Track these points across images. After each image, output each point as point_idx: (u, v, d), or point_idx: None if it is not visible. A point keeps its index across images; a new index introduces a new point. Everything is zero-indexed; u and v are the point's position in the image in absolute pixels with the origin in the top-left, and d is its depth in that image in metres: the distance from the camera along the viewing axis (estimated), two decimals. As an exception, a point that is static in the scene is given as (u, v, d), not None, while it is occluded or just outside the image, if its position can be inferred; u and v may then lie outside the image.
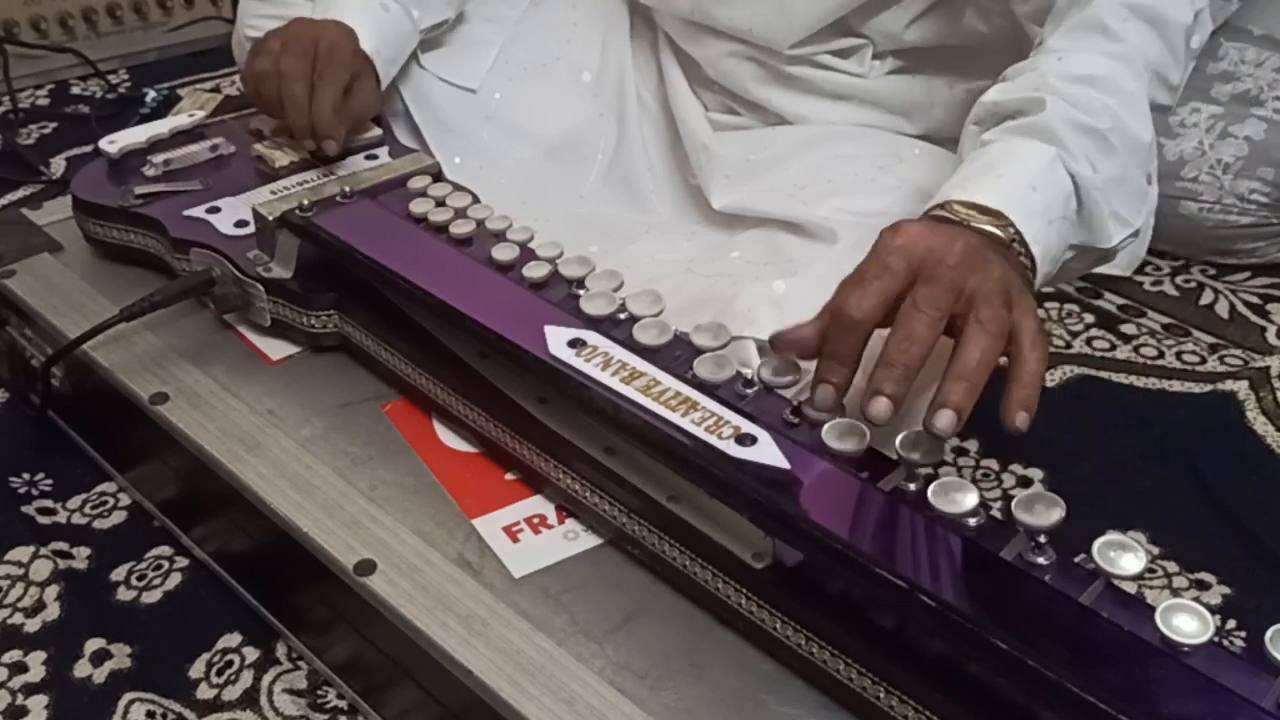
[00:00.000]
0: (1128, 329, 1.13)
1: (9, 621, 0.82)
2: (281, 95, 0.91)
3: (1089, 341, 1.12)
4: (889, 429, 0.63)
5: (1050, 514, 0.56)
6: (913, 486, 0.61)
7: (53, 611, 0.83)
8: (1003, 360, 0.63)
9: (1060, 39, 0.77)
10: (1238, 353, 1.10)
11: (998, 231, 0.68)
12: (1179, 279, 1.21)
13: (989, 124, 0.76)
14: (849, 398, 0.64)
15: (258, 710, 0.76)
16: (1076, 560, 0.57)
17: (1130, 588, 0.56)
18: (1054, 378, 1.06)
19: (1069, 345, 1.11)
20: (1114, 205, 0.74)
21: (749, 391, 0.67)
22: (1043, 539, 0.56)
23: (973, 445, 0.96)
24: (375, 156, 0.96)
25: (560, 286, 0.77)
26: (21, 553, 0.87)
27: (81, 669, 0.79)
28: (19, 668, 0.79)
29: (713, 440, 0.64)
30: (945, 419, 0.59)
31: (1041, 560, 0.56)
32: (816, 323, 0.66)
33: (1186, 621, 0.52)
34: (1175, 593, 0.84)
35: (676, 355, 0.70)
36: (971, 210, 0.69)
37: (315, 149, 0.92)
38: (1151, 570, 0.86)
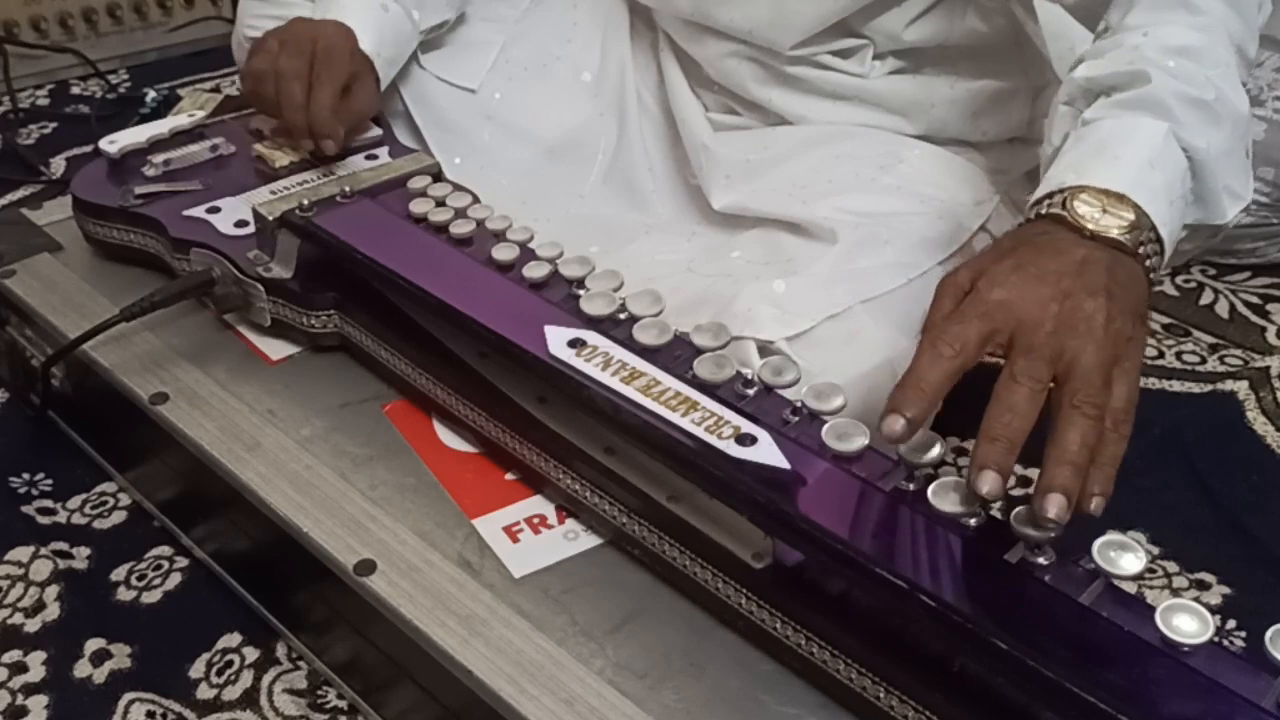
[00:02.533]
0: (1127, 329, 1.13)
1: (9, 621, 0.82)
2: (279, 95, 0.91)
3: (1089, 341, 1.12)
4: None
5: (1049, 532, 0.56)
6: (913, 486, 0.61)
7: (53, 611, 0.83)
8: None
9: (1140, 15, 0.74)
10: (1238, 353, 1.10)
11: (1123, 239, 0.65)
12: (1179, 279, 1.21)
13: (1082, 103, 0.73)
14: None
15: (258, 710, 0.76)
16: (1076, 560, 0.57)
17: (1130, 588, 0.56)
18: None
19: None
20: (1227, 179, 0.71)
21: (749, 391, 0.67)
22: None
23: (972, 445, 0.96)
24: (375, 156, 0.96)
25: (560, 286, 0.77)
26: (21, 553, 0.87)
27: (81, 669, 0.79)
28: (19, 668, 0.79)
29: (713, 440, 0.64)
30: (1056, 505, 0.56)
31: (1041, 560, 0.56)
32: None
33: (1186, 621, 0.52)
34: (1175, 593, 0.84)
35: (676, 355, 0.70)
36: (1092, 202, 0.65)
37: (313, 149, 0.92)
38: (1151, 570, 0.86)
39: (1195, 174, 0.70)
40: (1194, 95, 0.70)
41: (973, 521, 0.58)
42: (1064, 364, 0.60)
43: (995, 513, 0.60)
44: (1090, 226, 0.65)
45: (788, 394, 0.67)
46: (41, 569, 0.86)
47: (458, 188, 0.89)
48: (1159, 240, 0.66)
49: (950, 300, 0.64)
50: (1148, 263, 0.66)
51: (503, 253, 0.79)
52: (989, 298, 0.62)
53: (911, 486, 0.61)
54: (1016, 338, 0.61)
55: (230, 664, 0.79)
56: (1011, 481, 0.88)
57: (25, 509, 0.91)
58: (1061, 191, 0.67)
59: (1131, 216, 0.65)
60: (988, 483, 0.57)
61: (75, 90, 1.61)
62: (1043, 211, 0.67)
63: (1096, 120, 0.71)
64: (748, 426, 0.64)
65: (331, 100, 0.90)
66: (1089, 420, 0.59)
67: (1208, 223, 0.73)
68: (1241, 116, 0.73)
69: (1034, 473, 0.93)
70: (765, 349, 0.79)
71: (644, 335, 0.71)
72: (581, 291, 0.75)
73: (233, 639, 0.80)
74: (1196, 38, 0.72)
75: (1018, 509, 0.58)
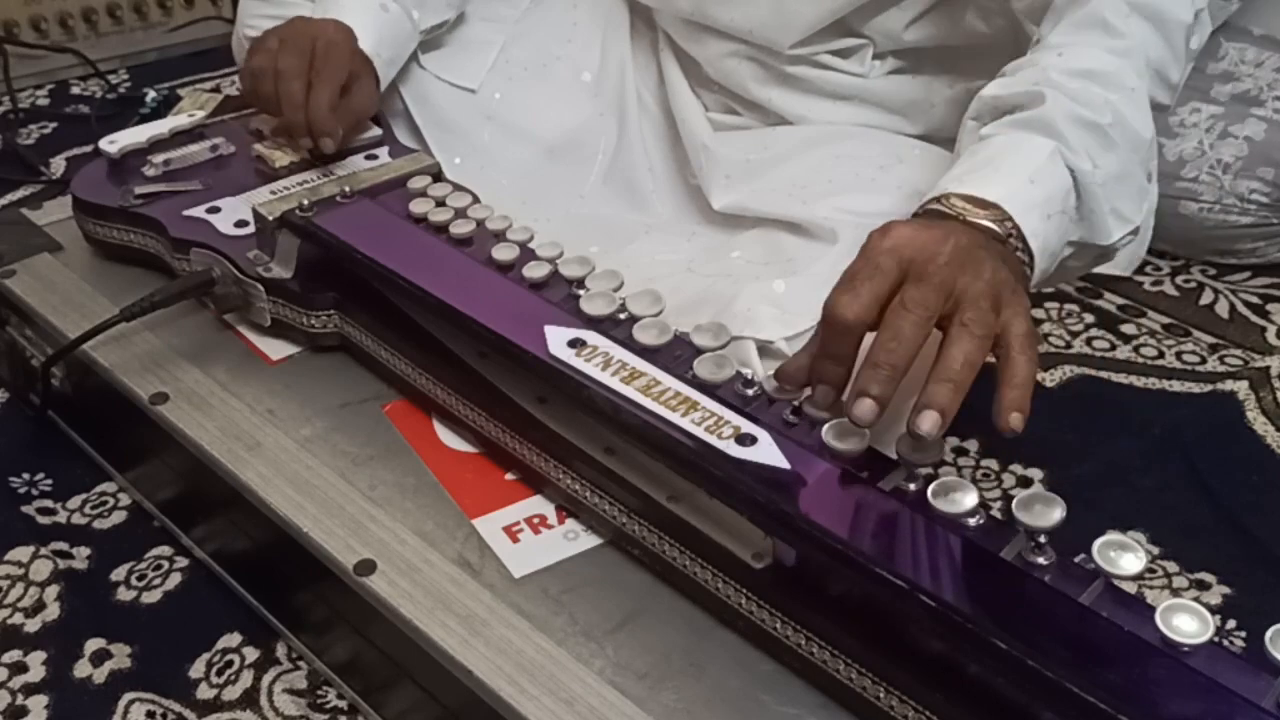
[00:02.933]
0: (1128, 329, 1.13)
1: (9, 621, 0.82)
2: (278, 93, 0.91)
3: (1089, 341, 1.12)
4: (884, 429, 0.63)
5: (1050, 514, 0.56)
6: (913, 486, 0.61)
7: (53, 611, 0.83)
8: (992, 360, 0.62)
9: (1060, 35, 0.77)
10: (1238, 353, 1.10)
11: (994, 226, 0.67)
12: (1179, 279, 1.21)
13: (987, 118, 0.76)
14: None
15: (258, 710, 0.76)
16: (1076, 560, 0.57)
17: (1130, 588, 0.56)
18: (1054, 378, 1.06)
19: (1069, 345, 1.11)
20: (1114, 202, 0.73)
21: (749, 391, 0.67)
22: (1043, 539, 0.56)
23: (973, 445, 0.96)
24: (375, 156, 0.96)
25: (560, 286, 0.77)
26: (21, 553, 0.87)
27: (81, 669, 0.79)
28: (19, 668, 0.79)
29: (713, 440, 0.64)
30: (929, 420, 0.58)
31: (1041, 560, 0.56)
32: (806, 350, 0.66)
33: (1186, 621, 0.52)
34: (1175, 593, 0.84)
35: (676, 355, 0.70)
36: (969, 204, 0.68)
37: (312, 147, 0.92)
38: (1151, 570, 0.86)
39: (1080, 194, 0.72)
40: (1087, 118, 0.71)
41: (973, 521, 0.58)
42: (954, 296, 0.62)
43: (996, 513, 0.60)
44: (964, 215, 0.67)
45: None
46: (41, 569, 0.86)
47: (458, 188, 0.89)
48: (1028, 250, 0.68)
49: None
50: (1017, 254, 0.68)
51: (503, 253, 0.79)
52: (879, 246, 0.64)
53: (911, 486, 0.61)
54: (910, 271, 0.62)
55: (230, 664, 0.79)
56: (1011, 481, 0.89)
57: (25, 509, 0.91)
58: (944, 198, 0.69)
59: (997, 216, 0.68)
60: (864, 409, 0.59)
61: (75, 90, 1.61)
62: (918, 212, 0.70)
63: (990, 137, 0.73)
64: (748, 426, 0.64)
65: (331, 99, 0.90)
66: (974, 338, 0.60)
67: (1092, 242, 0.75)
68: (1141, 141, 0.74)
69: (1034, 473, 0.93)
70: (765, 349, 0.79)
71: (644, 335, 0.71)
72: (581, 291, 0.75)
73: (233, 639, 0.80)
74: (1107, 61, 0.74)
75: (903, 434, 0.60)
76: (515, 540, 0.71)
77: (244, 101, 0.99)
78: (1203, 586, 0.85)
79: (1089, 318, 1.15)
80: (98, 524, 0.90)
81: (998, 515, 0.60)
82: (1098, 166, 0.72)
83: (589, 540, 0.71)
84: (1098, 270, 0.81)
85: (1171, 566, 0.87)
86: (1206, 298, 1.19)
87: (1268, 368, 1.07)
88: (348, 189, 0.88)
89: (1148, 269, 1.21)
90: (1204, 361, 1.09)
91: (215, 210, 0.92)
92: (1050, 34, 0.77)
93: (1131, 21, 0.75)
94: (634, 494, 0.67)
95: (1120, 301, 1.17)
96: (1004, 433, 0.60)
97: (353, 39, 0.95)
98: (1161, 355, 1.10)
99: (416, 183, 0.90)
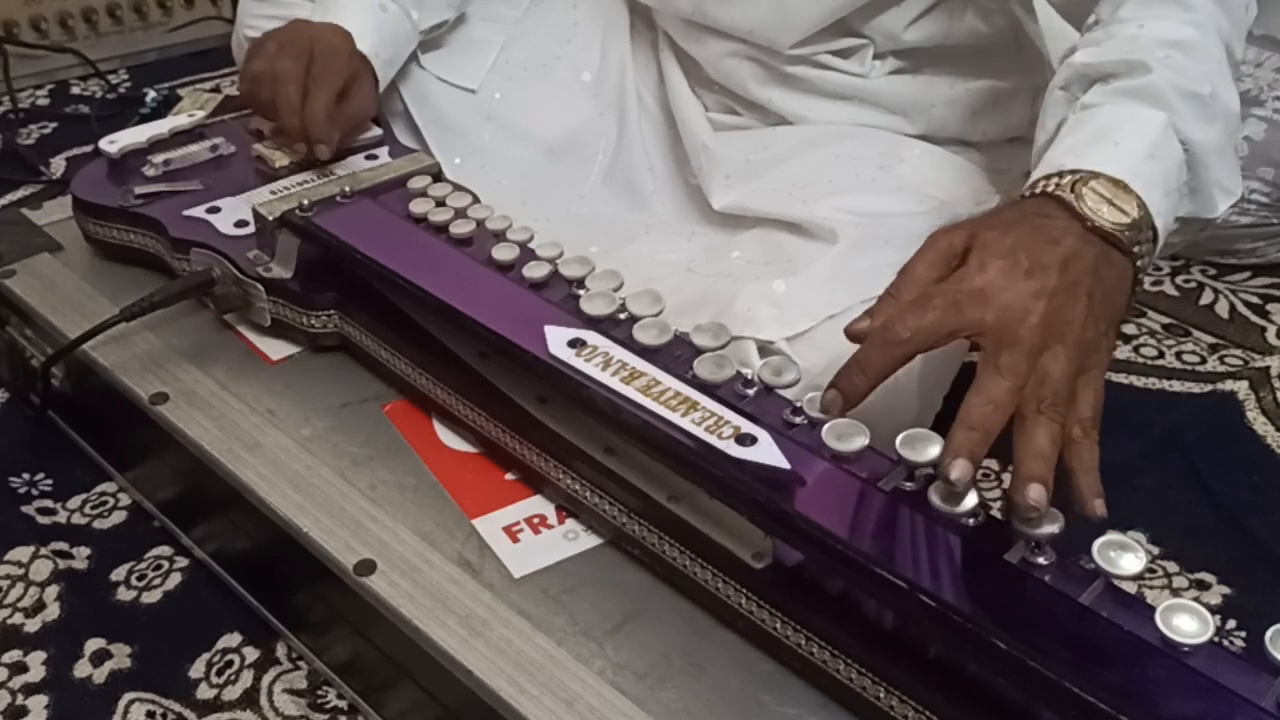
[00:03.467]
0: (1128, 329, 1.13)
1: (9, 621, 0.82)
2: (275, 98, 0.90)
3: (1089, 341, 1.12)
4: (884, 429, 0.63)
5: (1050, 525, 0.56)
6: (913, 487, 0.61)
7: (53, 611, 0.83)
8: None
9: (1134, 9, 0.74)
10: (1238, 353, 1.10)
11: (1119, 233, 0.64)
12: (1179, 279, 1.21)
13: (1079, 87, 0.73)
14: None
15: (258, 710, 0.76)
16: (1076, 560, 0.57)
17: (1130, 588, 0.56)
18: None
19: (1069, 345, 1.11)
20: (1219, 174, 0.71)
21: (749, 391, 0.67)
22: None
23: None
24: (375, 156, 0.96)
25: (560, 286, 0.77)
26: (21, 553, 0.87)
27: (81, 669, 0.79)
28: (19, 668, 0.79)
29: (713, 440, 0.64)
30: (1035, 492, 0.57)
31: (1041, 560, 0.56)
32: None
33: (1186, 621, 0.52)
34: (1175, 593, 0.84)
35: (676, 355, 0.70)
36: (1101, 191, 0.65)
37: (307, 153, 0.92)
38: (1151, 570, 0.86)
39: (1190, 167, 0.70)
40: (1190, 89, 0.70)
41: (973, 521, 0.58)
42: (1039, 368, 0.61)
43: (995, 513, 0.60)
44: (1092, 218, 0.65)
45: (788, 394, 0.67)
46: (41, 569, 0.86)
47: (458, 188, 0.89)
48: (1153, 232, 0.66)
49: (938, 260, 0.64)
50: (1139, 261, 0.66)
51: (503, 253, 0.79)
52: (969, 284, 0.62)
53: (911, 486, 0.61)
54: (1002, 330, 0.61)
55: (230, 664, 0.79)
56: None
57: (25, 509, 0.91)
58: (1063, 174, 0.66)
59: (1135, 215, 0.65)
60: (958, 470, 0.58)
61: (75, 90, 1.61)
62: (1049, 189, 0.66)
63: (1095, 106, 0.71)
64: (748, 426, 0.64)
65: (327, 105, 0.90)
66: (1055, 425, 0.60)
67: (1200, 216, 0.73)
68: (1233, 114, 0.73)
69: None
70: (765, 349, 0.79)
71: (644, 335, 0.71)
72: (581, 291, 0.75)
73: (233, 639, 0.80)
74: (1190, 33, 0.72)
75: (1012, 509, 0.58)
76: (515, 540, 0.71)
77: (244, 102, 0.99)
78: (1203, 586, 0.85)
79: (1089, 318, 1.15)
80: (98, 524, 0.90)
81: (998, 515, 0.60)
82: (1205, 139, 0.69)
83: (589, 540, 0.71)
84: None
85: (1171, 566, 0.87)
86: (1206, 298, 1.19)
87: (1268, 368, 1.07)
88: (348, 189, 0.88)
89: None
90: (1204, 361, 1.09)
91: (215, 210, 0.92)
92: (1119, 10, 0.74)
93: None
94: (634, 494, 0.67)
95: (1120, 301, 1.17)
96: (1094, 520, 0.59)
97: (351, 42, 0.94)
98: (1161, 355, 1.10)
99: (416, 183, 0.90)
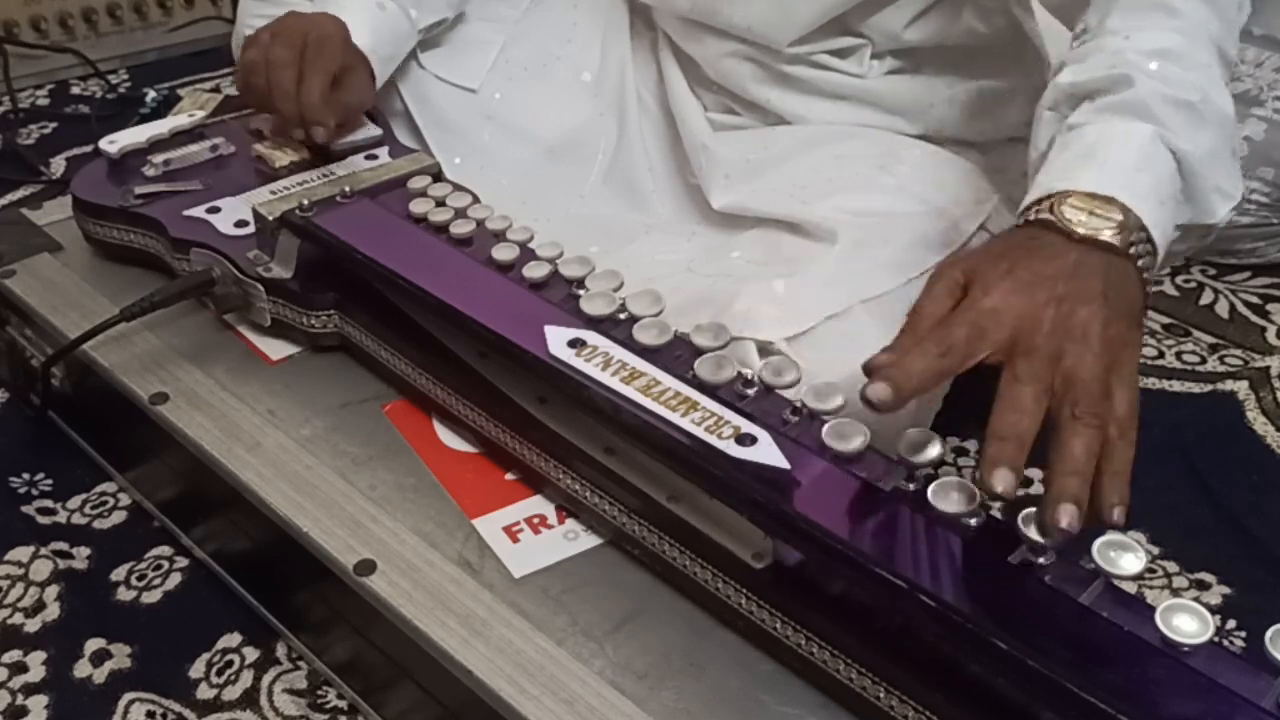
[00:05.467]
0: (1127, 329, 1.13)
1: (9, 621, 0.82)
2: (270, 83, 0.90)
3: (1089, 341, 1.12)
4: (884, 429, 0.63)
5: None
6: (912, 487, 0.61)
7: (53, 611, 0.83)
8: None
9: (1120, 19, 0.74)
10: (1238, 353, 1.10)
11: (1112, 238, 0.64)
12: (1179, 279, 1.21)
13: (1067, 106, 0.73)
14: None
15: (258, 710, 0.76)
16: (1077, 560, 0.57)
17: (1130, 588, 0.56)
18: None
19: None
20: (1215, 179, 0.71)
21: (749, 391, 0.67)
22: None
23: (972, 445, 0.96)
24: (375, 156, 0.96)
25: (560, 286, 0.77)
26: (21, 553, 0.87)
27: (81, 669, 0.79)
28: (19, 668, 0.79)
29: (713, 440, 0.64)
30: (1068, 514, 0.56)
31: (1041, 560, 0.56)
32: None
33: (1186, 621, 0.52)
34: (1175, 593, 0.84)
35: (676, 355, 0.70)
36: (1079, 206, 0.65)
37: (304, 138, 0.92)
38: (1151, 570, 0.86)
39: (1184, 175, 0.70)
40: (1178, 97, 0.70)
41: (973, 521, 0.58)
42: (1062, 371, 0.60)
43: (995, 512, 0.60)
44: (1080, 230, 0.64)
45: (788, 394, 0.67)
46: (41, 569, 0.86)
47: (458, 188, 0.89)
48: (1150, 240, 0.66)
49: (943, 294, 0.64)
50: (1140, 262, 0.66)
51: (503, 253, 0.79)
52: (980, 306, 0.62)
53: (911, 486, 0.61)
54: (1016, 342, 0.61)
55: (230, 664, 0.79)
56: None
57: (25, 509, 0.91)
58: (1049, 197, 0.67)
59: (1120, 217, 0.65)
60: (1002, 481, 0.57)
61: (75, 90, 1.61)
62: (1031, 218, 0.67)
63: (1082, 125, 0.71)
64: (748, 426, 0.64)
65: (322, 88, 0.90)
66: (1092, 430, 0.59)
67: (1199, 222, 0.73)
68: (1226, 117, 0.72)
69: (1034, 472, 0.93)
70: (765, 349, 0.79)
71: (644, 335, 0.71)
72: (581, 291, 0.75)
73: (233, 639, 0.80)
74: (1177, 40, 0.72)
75: (1025, 512, 0.58)
76: (515, 540, 0.71)
77: (244, 101, 0.99)
78: (1203, 586, 0.85)
79: (1089, 318, 1.15)
80: (98, 524, 0.90)
81: (998, 515, 0.60)
82: (1197, 146, 0.69)
83: (589, 540, 0.71)
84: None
85: (1171, 566, 0.87)
86: (1206, 298, 1.19)
87: (1268, 368, 1.07)
88: (348, 189, 0.88)
89: (1147, 269, 1.22)
90: (1204, 361, 1.09)
91: (215, 210, 0.92)
92: (1106, 20, 0.75)
93: (1188, 1, 0.73)
94: (634, 494, 0.67)
95: (1120, 301, 1.17)
96: (1110, 527, 0.58)
97: (345, 31, 0.94)
98: (1161, 355, 1.10)
99: (416, 183, 0.90)
